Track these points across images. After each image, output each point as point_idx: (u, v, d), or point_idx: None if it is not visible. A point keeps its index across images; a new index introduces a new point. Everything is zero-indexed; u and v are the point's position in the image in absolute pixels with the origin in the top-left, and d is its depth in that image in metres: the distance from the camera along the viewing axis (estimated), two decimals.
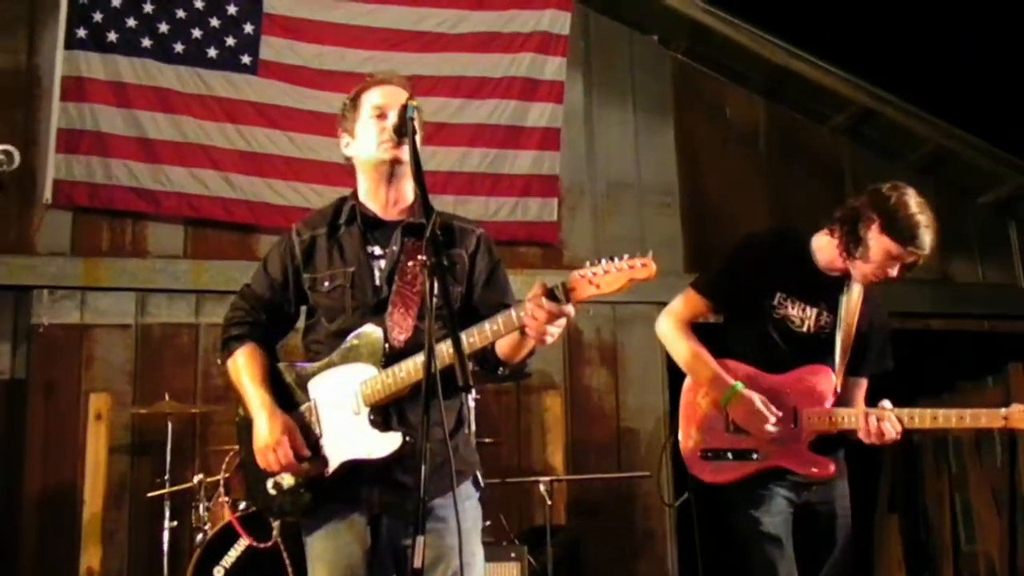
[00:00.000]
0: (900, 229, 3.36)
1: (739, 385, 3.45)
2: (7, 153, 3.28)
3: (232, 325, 2.96)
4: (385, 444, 2.70)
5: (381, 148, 2.85)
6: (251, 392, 2.84)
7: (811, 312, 3.52)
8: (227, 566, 4.79)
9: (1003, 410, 3.37)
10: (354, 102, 2.96)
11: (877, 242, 3.39)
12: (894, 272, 3.44)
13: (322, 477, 2.76)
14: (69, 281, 6.10)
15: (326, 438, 2.78)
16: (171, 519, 5.27)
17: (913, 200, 3.43)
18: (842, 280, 3.55)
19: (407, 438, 2.66)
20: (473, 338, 2.63)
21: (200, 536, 5.04)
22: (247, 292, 3.00)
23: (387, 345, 2.75)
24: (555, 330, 2.57)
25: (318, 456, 2.77)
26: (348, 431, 2.75)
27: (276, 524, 2.91)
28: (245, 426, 2.89)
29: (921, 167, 7.63)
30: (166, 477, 5.35)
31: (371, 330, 2.78)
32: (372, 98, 2.92)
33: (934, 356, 6.78)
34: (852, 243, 3.43)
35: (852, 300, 3.55)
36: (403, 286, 2.82)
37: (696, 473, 3.52)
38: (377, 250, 2.89)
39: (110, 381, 6.05)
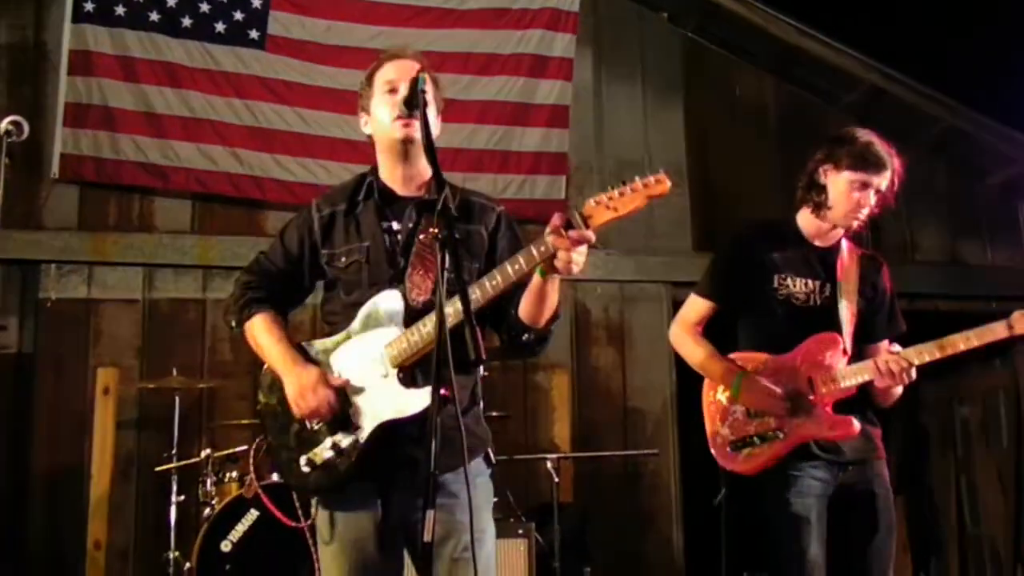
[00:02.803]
0: (848, 156, 3.42)
1: (743, 372, 3.45)
2: (16, 124, 3.29)
3: (249, 289, 2.95)
4: (418, 400, 2.65)
5: (395, 126, 2.84)
6: (278, 350, 2.84)
7: (814, 285, 3.52)
8: (234, 540, 4.80)
9: (1005, 320, 3.31)
10: (369, 80, 2.96)
11: (836, 179, 3.46)
12: (868, 200, 3.44)
13: (356, 445, 2.73)
14: (76, 256, 6.09)
15: (357, 406, 2.76)
16: (178, 494, 5.28)
17: (853, 130, 3.50)
18: (835, 251, 3.57)
19: (442, 391, 2.54)
20: (496, 280, 2.62)
21: (207, 511, 5.05)
22: (263, 260, 3.01)
23: (407, 306, 2.76)
24: (580, 258, 2.54)
25: (351, 426, 2.74)
26: (379, 395, 2.73)
27: (315, 501, 2.91)
28: (270, 412, 2.89)
29: (931, 147, 7.61)
30: (173, 452, 5.36)
31: (389, 293, 2.78)
32: (384, 74, 2.92)
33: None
34: (816, 194, 3.50)
35: (848, 268, 3.54)
36: (422, 249, 2.81)
37: (729, 467, 3.49)
38: (395, 224, 2.88)
39: (117, 356, 6.06)
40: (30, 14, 6.32)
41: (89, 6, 6.17)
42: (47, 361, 5.98)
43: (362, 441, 2.73)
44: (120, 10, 6.23)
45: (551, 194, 6.79)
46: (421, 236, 2.81)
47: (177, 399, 5.50)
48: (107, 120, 6.14)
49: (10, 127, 3.42)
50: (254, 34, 6.45)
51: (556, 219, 2.53)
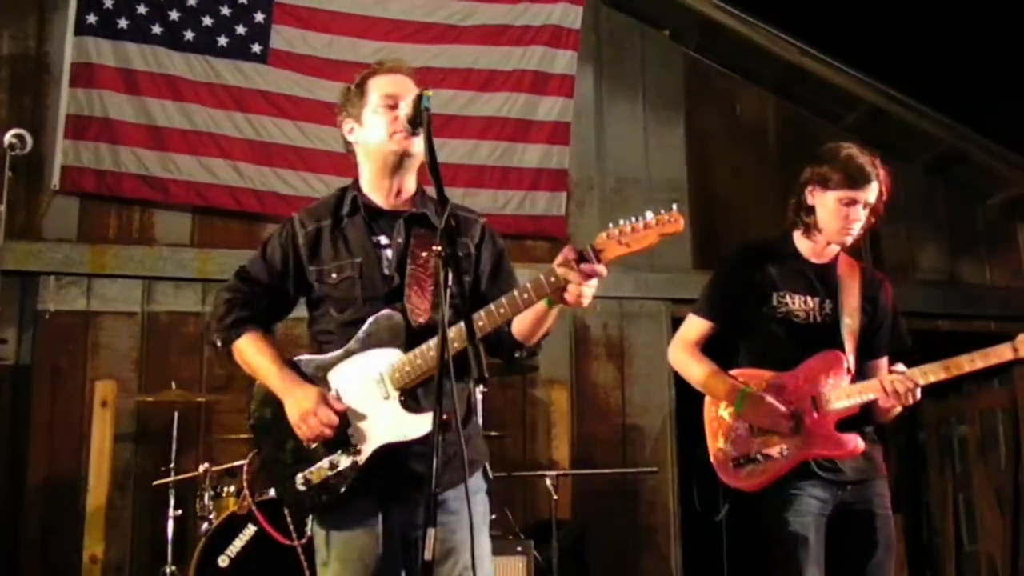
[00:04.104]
0: (833, 175, 3.43)
1: (747, 388, 3.44)
2: (20, 137, 3.29)
3: (234, 307, 2.87)
4: (421, 425, 2.64)
5: (395, 139, 2.83)
6: (275, 371, 2.78)
7: (813, 302, 3.51)
8: (232, 556, 4.78)
9: (1010, 343, 3.32)
10: (360, 88, 2.93)
11: (823, 198, 3.46)
12: (858, 215, 3.44)
13: (355, 466, 2.71)
14: (75, 268, 6.08)
15: (357, 426, 2.73)
16: (176, 508, 5.25)
17: (836, 147, 3.50)
18: (834, 267, 3.56)
19: (443, 416, 2.49)
20: (503, 308, 2.63)
21: (205, 525, 5.02)
22: (246, 276, 2.93)
23: (408, 327, 2.75)
24: (589, 292, 2.57)
25: (350, 446, 2.72)
26: (379, 417, 2.72)
27: (311, 520, 2.86)
28: (263, 426, 2.85)
29: (931, 167, 7.65)
30: (171, 466, 5.33)
31: (390, 314, 2.76)
32: (382, 86, 2.90)
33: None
34: (805, 215, 3.51)
35: (849, 284, 3.54)
36: (416, 269, 2.81)
37: (731, 483, 3.47)
38: (383, 239, 2.87)
39: (116, 368, 6.04)
40: (32, 25, 6.33)
41: (91, 18, 6.18)
42: (45, 373, 5.96)
43: (362, 463, 2.71)
44: (123, 23, 6.24)
45: (551, 210, 6.80)
46: (424, 254, 2.80)
47: (176, 413, 5.48)
48: (108, 132, 6.14)
49: (14, 140, 3.43)
50: (256, 48, 6.47)
51: (568, 251, 2.55)
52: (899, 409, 3.46)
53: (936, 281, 7.59)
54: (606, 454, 6.61)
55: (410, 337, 2.73)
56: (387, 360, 2.73)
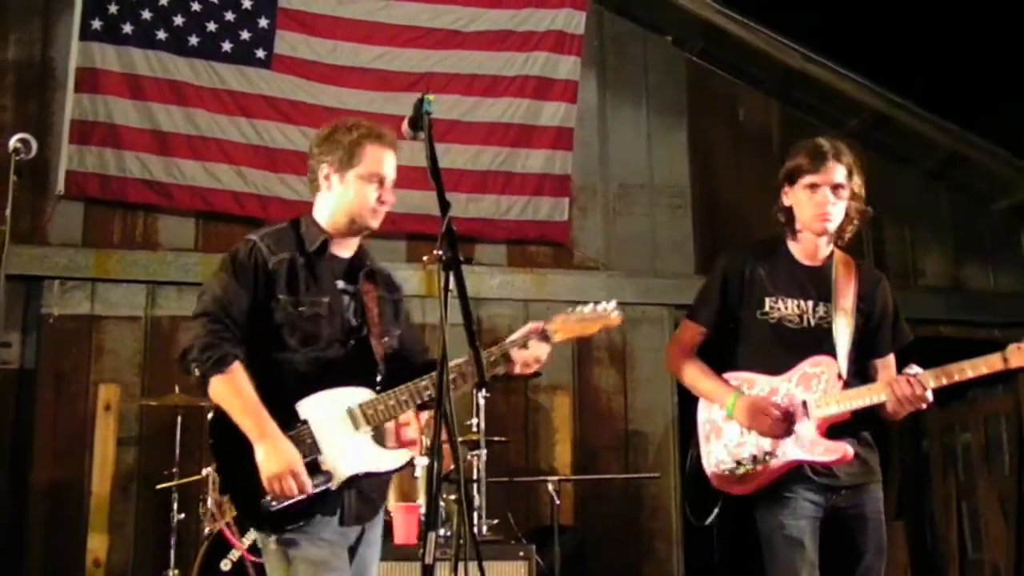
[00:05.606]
0: (795, 166, 3.47)
1: (738, 392, 3.45)
2: (24, 142, 3.30)
3: (222, 340, 2.83)
4: (394, 460, 2.93)
5: (375, 217, 3.01)
6: (257, 416, 2.78)
7: (807, 306, 3.50)
8: (234, 559, 4.79)
9: (1000, 353, 3.27)
10: (353, 147, 2.99)
11: (794, 193, 3.48)
12: (827, 198, 3.43)
13: (327, 491, 2.82)
14: (80, 272, 6.11)
15: (326, 455, 2.84)
16: (179, 511, 5.27)
17: (798, 143, 3.56)
18: (828, 269, 3.55)
19: (412, 458, 2.93)
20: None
21: (208, 529, 5.03)
22: (227, 305, 2.89)
23: (374, 366, 2.96)
24: (537, 366, 3.04)
25: (320, 472, 2.82)
26: (352, 447, 2.87)
27: (271, 538, 2.87)
28: (228, 447, 2.84)
29: (935, 173, 7.65)
30: (174, 470, 5.35)
31: (359, 354, 2.95)
32: (378, 162, 3.01)
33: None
34: (785, 218, 3.53)
35: (843, 285, 3.52)
36: (373, 319, 3.02)
37: (723, 487, 3.47)
38: (341, 284, 3.03)
39: (119, 372, 6.07)
40: (38, 30, 6.36)
41: (96, 24, 6.21)
42: (48, 377, 5.98)
43: (334, 487, 2.82)
44: (127, 28, 6.27)
45: (554, 216, 6.81)
46: (370, 303, 3.01)
47: (179, 416, 5.49)
48: (112, 137, 6.16)
49: (18, 145, 3.44)
50: (260, 53, 6.49)
51: (534, 326, 3.04)
52: (909, 409, 3.46)
53: (940, 287, 7.58)
54: (608, 459, 6.62)
55: (376, 374, 2.96)
56: (358, 396, 2.90)
